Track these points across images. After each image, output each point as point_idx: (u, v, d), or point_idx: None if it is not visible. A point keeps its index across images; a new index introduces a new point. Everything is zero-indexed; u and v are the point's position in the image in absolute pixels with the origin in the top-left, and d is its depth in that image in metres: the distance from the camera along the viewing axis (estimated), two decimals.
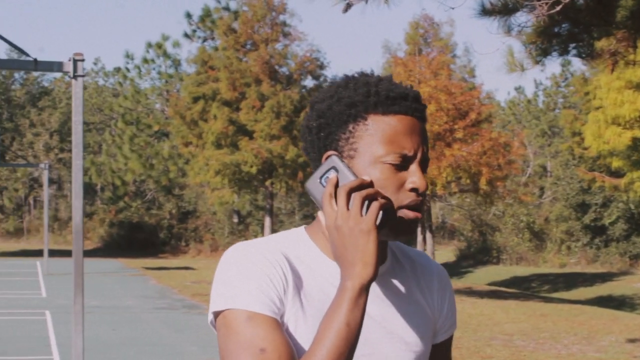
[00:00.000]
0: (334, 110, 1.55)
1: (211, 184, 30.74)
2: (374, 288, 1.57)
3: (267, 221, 33.47)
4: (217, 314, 1.48)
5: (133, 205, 49.25)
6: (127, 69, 48.68)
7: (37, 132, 56.22)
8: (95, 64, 61.86)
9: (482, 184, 18.53)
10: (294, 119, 31.16)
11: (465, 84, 26.02)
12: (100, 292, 20.43)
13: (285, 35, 32.91)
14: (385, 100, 1.53)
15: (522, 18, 8.52)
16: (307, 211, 47.86)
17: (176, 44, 46.95)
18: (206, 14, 38.22)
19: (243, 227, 46.75)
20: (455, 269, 39.43)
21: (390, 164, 1.51)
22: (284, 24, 32.96)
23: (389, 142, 1.51)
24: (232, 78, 30.13)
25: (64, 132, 57.91)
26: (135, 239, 47.33)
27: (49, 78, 64.20)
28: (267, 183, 31.51)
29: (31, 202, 58.10)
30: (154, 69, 48.19)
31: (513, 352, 11.91)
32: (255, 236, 43.30)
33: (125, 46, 73.65)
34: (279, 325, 1.43)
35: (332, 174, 1.50)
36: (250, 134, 30.20)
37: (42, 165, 26.25)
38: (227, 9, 34.07)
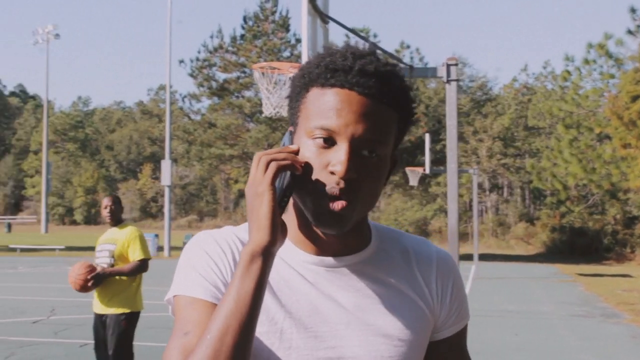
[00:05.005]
0: (294, 83, 1.48)
1: None
2: (348, 277, 1.47)
3: None
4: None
5: (575, 210, 48.22)
6: (568, 72, 47.89)
7: (480, 138, 57.88)
8: (544, 67, 62.04)
9: None
10: None
11: None
12: (522, 297, 20.55)
13: None
14: (325, 73, 1.41)
15: None
16: None
17: (619, 42, 45.08)
18: None
19: None
20: None
21: (315, 138, 1.39)
22: None
23: (317, 116, 1.39)
24: None
25: (507, 138, 58.82)
26: (576, 245, 46.40)
27: (496, 85, 65.69)
28: None
29: (483, 207, 60.03)
30: (595, 69, 46.81)
31: None
32: None
33: (567, 49, 72.22)
34: None
35: None
36: None
37: (471, 171, 27.03)
38: None
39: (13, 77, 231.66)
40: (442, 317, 1.55)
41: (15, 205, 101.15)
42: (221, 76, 45.11)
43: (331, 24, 9.30)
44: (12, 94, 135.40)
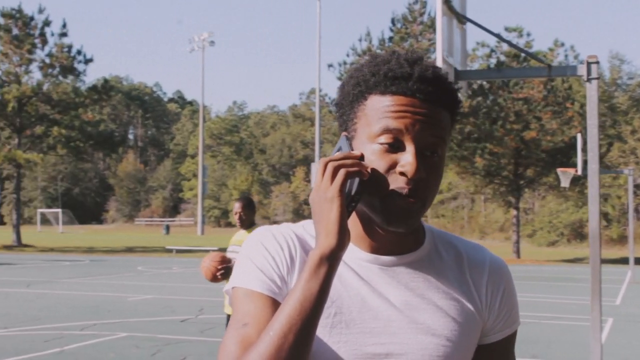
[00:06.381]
0: (345, 89, 1.53)
1: None
2: (401, 276, 1.52)
3: None
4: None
5: None
6: None
7: (639, 138, 55.52)
8: None
9: None
10: None
11: None
12: None
13: None
14: (384, 80, 1.47)
15: None
16: None
17: None
18: None
19: None
20: None
21: (381, 144, 1.45)
22: None
23: (380, 122, 1.45)
24: None
25: None
26: None
27: None
28: None
29: None
30: None
31: None
32: None
33: None
34: (273, 303, 1.44)
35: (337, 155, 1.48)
36: None
37: (626, 171, 26.01)
38: None
39: (172, 83, 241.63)
40: (490, 322, 1.58)
41: (174, 208, 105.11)
42: None
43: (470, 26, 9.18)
44: (171, 100, 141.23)
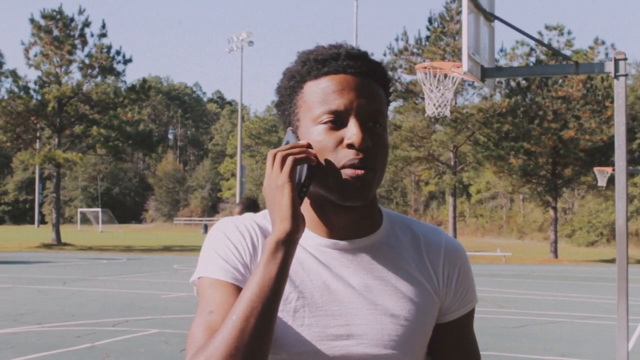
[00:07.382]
0: (282, 86, 1.61)
1: None
2: (359, 259, 1.57)
3: None
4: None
5: None
6: None
7: None
8: None
9: None
10: None
11: None
12: None
13: None
14: (315, 65, 1.55)
15: None
16: None
17: None
18: None
19: None
20: None
21: (324, 123, 1.51)
22: None
23: (319, 103, 1.52)
24: None
25: None
26: None
27: None
28: None
29: None
30: None
31: None
32: None
33: None
34: (237, 290, 1.48)
35: None
36: None
37: None
38: None
39: (211, 84, 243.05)
40: (448, 301, 1.63)
41: (212, 207, 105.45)
42: (406, 78, 45.15)
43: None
44: (210, 100, 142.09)
